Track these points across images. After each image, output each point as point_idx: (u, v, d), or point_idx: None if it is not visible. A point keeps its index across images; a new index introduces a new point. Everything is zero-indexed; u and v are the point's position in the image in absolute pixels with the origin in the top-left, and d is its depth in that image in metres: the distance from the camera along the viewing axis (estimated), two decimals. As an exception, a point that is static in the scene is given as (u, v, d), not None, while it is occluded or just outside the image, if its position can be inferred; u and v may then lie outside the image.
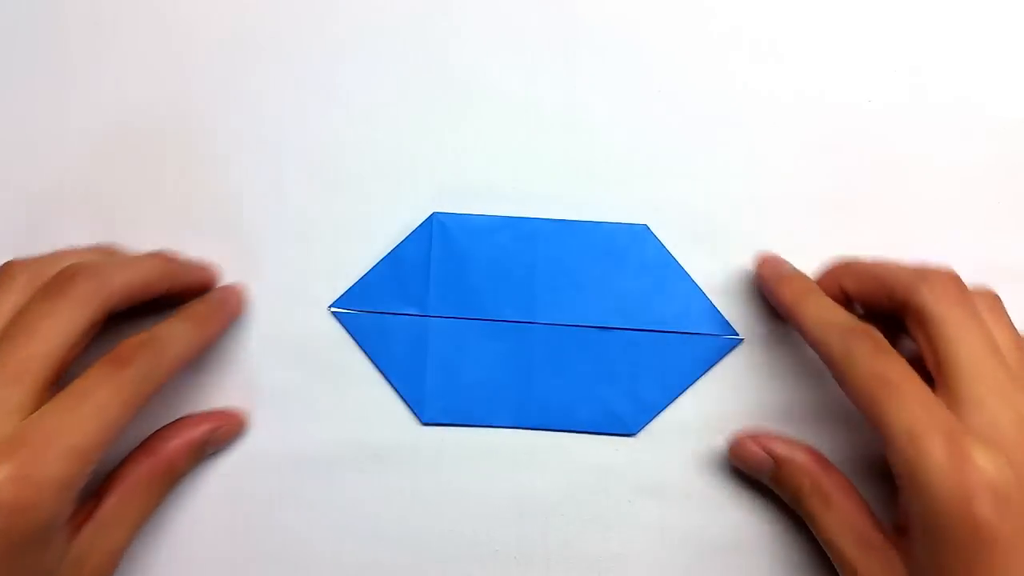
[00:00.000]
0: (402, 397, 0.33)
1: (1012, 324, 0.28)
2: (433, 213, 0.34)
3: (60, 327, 0.25)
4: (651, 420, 0.33)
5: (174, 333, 0.28)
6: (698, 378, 0.32)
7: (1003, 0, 0.35)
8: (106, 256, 0.30)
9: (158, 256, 0.30)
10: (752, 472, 0.31)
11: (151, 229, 0.35)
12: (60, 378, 0.25)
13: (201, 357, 0.32)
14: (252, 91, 0.35)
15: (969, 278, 0.34)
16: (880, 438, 0.25)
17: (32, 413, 0.24)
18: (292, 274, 0.34)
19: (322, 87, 0.35)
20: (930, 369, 0.26)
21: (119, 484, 0.28)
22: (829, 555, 0.29)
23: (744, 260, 0.33)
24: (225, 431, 0.31)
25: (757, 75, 0.35)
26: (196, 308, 0.30)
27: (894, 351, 0.26)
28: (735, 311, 0.33)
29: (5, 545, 0.23)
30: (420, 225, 0.34)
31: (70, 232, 0.33)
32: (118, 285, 0.27)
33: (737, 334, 0.33)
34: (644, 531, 0.33)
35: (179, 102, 0.35)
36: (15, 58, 0.35)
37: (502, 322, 0.33)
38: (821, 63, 0.34)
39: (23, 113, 0.35)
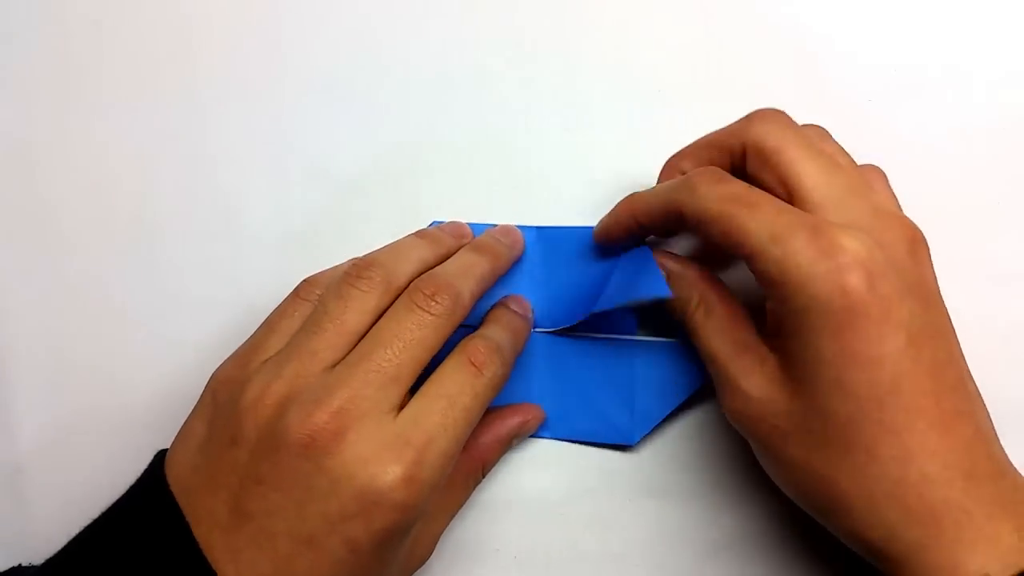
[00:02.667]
0: None
1: (842, 148, 0.28)
2: (432, 221, 0.34)
3: (428, 342, 0.27)
4: (651, 430, 0.33)
5: (505, 339, 0.30)
6: (697, 388, 0.32)
7: (1003, 0, 0.35)
8: (446, 255, 0.31)
9: (487, 253, 0.31)
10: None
11: (150, 229, 0.35)
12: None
13: (203, 364, 0.32)
14: (252, 91, 0.35)
15: (969, 278, 0.34)
16: (744, 256, 0.26)
17: (399, 411, 0.26)
18: (293, 276, 0.34)
19: (323, 86, 0.35)
20: (782, 196, 0.27)
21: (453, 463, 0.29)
22: (707, 363, 0.29)
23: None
24: (530, 425, 0.33)
25: (757, 75, 0.35)
26: (513, 313, 0.32)
27: (737, 179, 0.27)
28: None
29: (388, 538, 0.25)
30: None
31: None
32: (468, 300, 0.29)
33: None
34: (644, 531, 0.33)
35: (179, 101, 0.35)
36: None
37: None
38: (821, 63, 0.34)
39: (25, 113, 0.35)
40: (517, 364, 0.31)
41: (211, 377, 0.28)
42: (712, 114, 0.31)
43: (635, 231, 0.30)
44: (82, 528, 0.27)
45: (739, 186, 0.26)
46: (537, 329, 0.33)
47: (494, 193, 0.34)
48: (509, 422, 0.32)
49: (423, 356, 0.27)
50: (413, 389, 0.27)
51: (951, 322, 0.26)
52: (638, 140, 0.34)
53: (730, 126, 0.29)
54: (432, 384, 0.27)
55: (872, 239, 0.24)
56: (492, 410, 0.32)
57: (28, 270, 0.35)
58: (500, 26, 0.35)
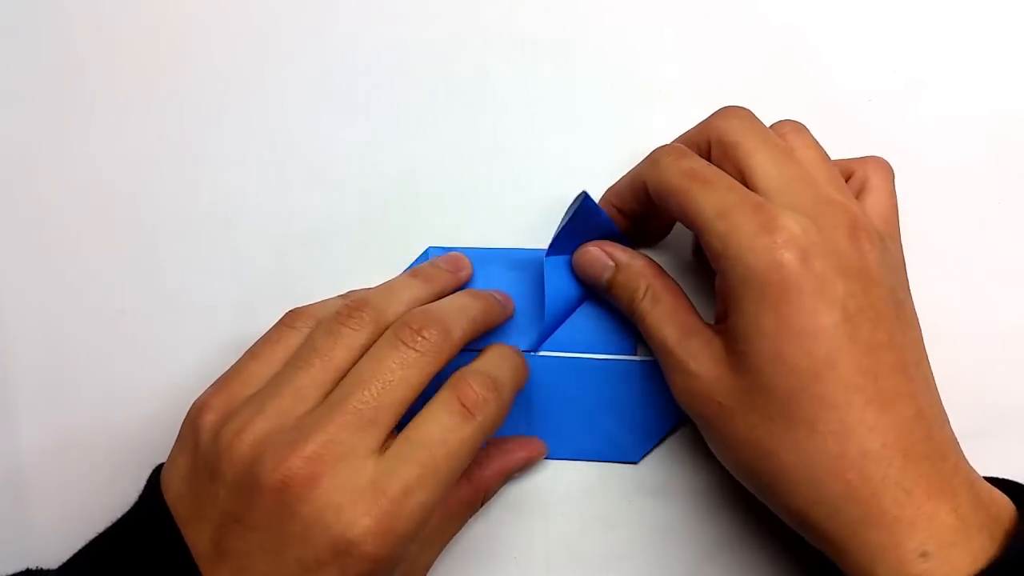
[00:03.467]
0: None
1: (817, 144, 0.29)
2: (428, 248, 0.34)
3: (412, 380, 0.26)
4: (653, 447, 0.33)
5: (503, 374, 0.28)
6: None
7: (1003, 0, 0.35)
8: (437, 296, 0.31)
9: (482, 299, 0.30)
10: (592, 278, 0.31)
11: (150, 231, 0.35)
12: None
13: (204, 366, 0.32)
14: (252, 92, 0.35)
15: (969, 278, 0.34)
16: (695, 229, 0.27)
17: (379, 455, 0.25)
18: (293, 278, 0.34)
19: (323, 90, 0.35)
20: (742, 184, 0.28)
21: (441, 506, 0.28)
22: (655, 350, 0.29)
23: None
24: (533, 460, 0.33)
25: (757, 76, 0.35)
26: (515, 353, 0.30)
27: (698, 156, 0.28)
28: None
29: None
30: (416, 260, 0.34)
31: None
32: (458, 339, 0.28)
33: None
34: (644, 531, 0.33)
35: (179, 103, 0.35)
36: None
37: None
38: (821, 63, 0.34)
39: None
40: None
41: (192, 406, 0.28)
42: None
43: (616, 217, 0.32)
44: (81, 547, 0.27)
45: (697, 163, 0.28)
46: (537, 352, 0.33)
47: (494, 196, 0.34)
48: (514, 456, 0.32)
49: (406, 396, 0.26)
50: (404, 422, 0.26)
51: (904, 311, 0.27)
52: (638, 141, 0.34)
53: (701, 123, 0.30)
54: (415, 428, 0.26)
55: (810, 221, 0.25)
56: (496, 440, 0.32)
57: (28, 271, 0.35)
58: (501, 29, 0.35)
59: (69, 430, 0.34)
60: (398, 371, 0.26)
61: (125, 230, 0.35)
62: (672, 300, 0.29)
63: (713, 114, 0.29)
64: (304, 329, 0.28)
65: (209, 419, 0.27)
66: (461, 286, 0.33)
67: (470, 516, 0.32)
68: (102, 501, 0.28)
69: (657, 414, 0.32)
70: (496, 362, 0.29)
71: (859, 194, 0.29)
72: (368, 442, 0.25)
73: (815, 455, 0.25)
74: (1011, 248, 0.34)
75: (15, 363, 0.35)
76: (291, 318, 0.29)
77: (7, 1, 0.35)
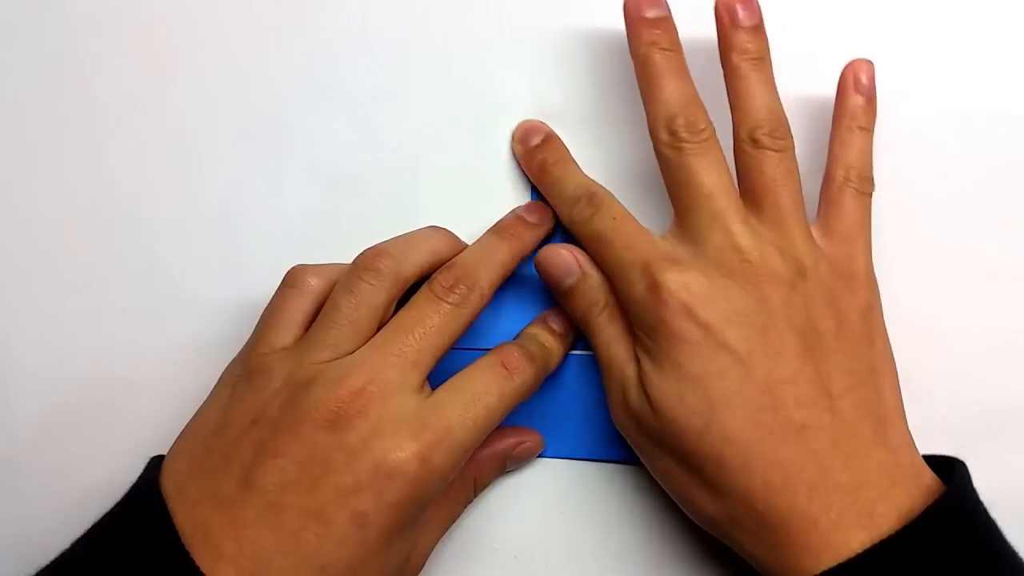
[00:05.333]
0: None
1: (790, 148, 0.30)
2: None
3: (448, 329, 0.28)
4: None
5: (549, 347, 0.31)
6: None
7: (1003, 0, 0.35)
8: (461, 246, 0.32)
9: (508, 236, 0.31)
10: (554, 279, 0.31)
11: (149, 228, 0.35)
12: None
13: (205, 364, 0.32)
14: (252, 90, 0.35)
15: (969, 278, 0.34)
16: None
17: (422, 395, 0.27)
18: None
19: (323, 90, 0.35)
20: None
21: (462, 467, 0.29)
22: (600, 363, 0.30)
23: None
24: (527, 448, 0.32)
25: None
26: (552, 332, 0.32)
27: (608, 206, 0.30)
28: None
29: (396, 515, 0.26)
30: None
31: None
32: (488, 288, 0.29)
33: None
34: (644, 531, 0.33)
35: (179, 101, 0.35)
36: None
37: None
38: (821, 63, 0.34)
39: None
40: None
41: (225, 371, 0.29)
42: (712, 114, 0.31)
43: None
44: (75, 539, 0.27)
45: (602, 222, 0.30)
46: None
47: (494, 193, 0.34)
48: (506, 440, 0.32)
49: (443, 343, 0.28)
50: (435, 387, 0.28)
51: (822, 341, 0.27)
52: (638, 140, 0.34)
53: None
54: (460, 378, 0.28)
55: (698, 273, 0.27)
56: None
57: (28, 270, 0.35)
58: (500, 25, 0.35)
59: (67, 426, 0.34)
60: (435, 319, 0.28)
61: (125, 230, 0.35)
62: (625, 322, 0.30)
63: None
64: (306, 289, 0.29)
65: (247, 378, 0.28)
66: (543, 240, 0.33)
67: (464, 503, 0.32)
68: (98, 495, 0.28)
69: None
70: (535, 344, 0.31)
71: (827, 207, 0.30)
72: (412, 381, 0.27)
73: (728, 491, 0.26)
74: (1011, 248, 0.34)
75: (15, 362, 0.35)
76: (294, 277, 0.30)
77: (7, 1, 0.35)
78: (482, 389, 0.28)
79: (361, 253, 0.29)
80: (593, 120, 0.34)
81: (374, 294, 0.28)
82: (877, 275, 0.30)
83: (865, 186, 0.30)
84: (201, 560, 0.24)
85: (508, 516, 0.33)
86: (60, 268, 0.35)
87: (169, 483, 0.26)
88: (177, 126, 0.35)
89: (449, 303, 0.28)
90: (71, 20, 0.35)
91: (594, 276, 0.30)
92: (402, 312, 0.28)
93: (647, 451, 0.29)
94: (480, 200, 0.34)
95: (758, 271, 0.27)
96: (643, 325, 0.28)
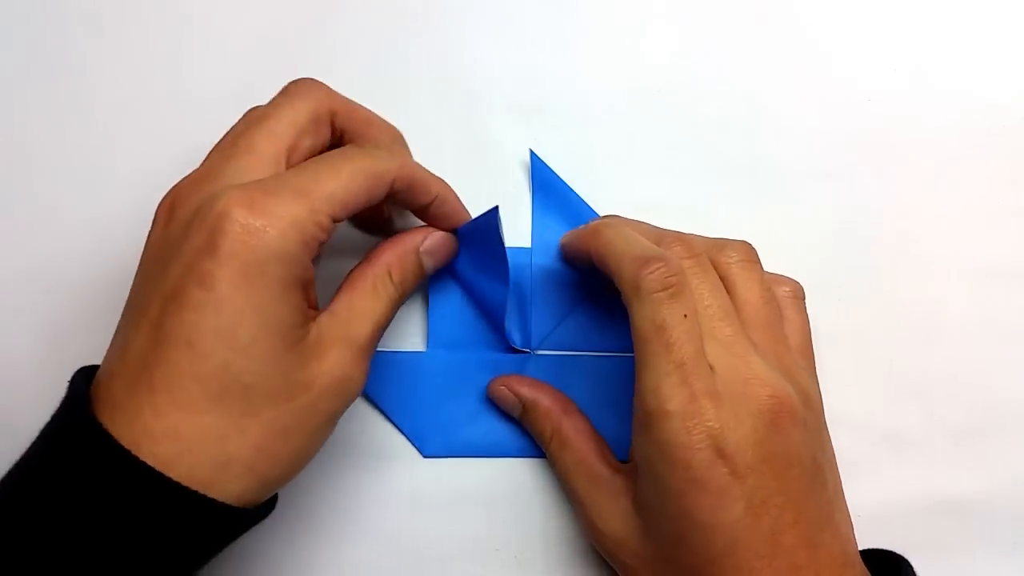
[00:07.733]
0: (402, 432, 0.33)
1: (762, 279, 0.29)
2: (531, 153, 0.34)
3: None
4: None
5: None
6: None
7: (1003, 0, 0.35)
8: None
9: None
10: (508, 412, 0.32)
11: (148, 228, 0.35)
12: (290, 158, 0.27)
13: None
14: (252, 89, 0.35)
15: (969, 278, 0.34)
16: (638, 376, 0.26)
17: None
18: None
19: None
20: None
21: (345, 285, 0.29)
22: (565, 492, 0.31)
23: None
24: (437, 240, 0.31)
25: (758, 76, 0.35)
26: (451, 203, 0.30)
27: (685, 290, 0.26)
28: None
29: (240, 267, 0.24)
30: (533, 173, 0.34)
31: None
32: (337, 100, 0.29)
33: None
34: (644, 531, 0.33)
35: (178, 101, 0.35)
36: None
37: (499, 353, 0.33)
38: (821, 63, 0.34)
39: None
40: None
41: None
42: (712, 114, 0.31)
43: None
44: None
45: (671, 312, 0.26)
46: (537, 352, 0.33)
47: (493, 196, 0.34)
48: (413, 235, 0.30)
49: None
50: None
51: (820, 472, 0.27)
52: (638, 140, 0.34)
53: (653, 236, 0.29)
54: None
55: (730, 414, 0.25)
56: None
57: (27, 269, 0.35)
58: (499, 27, 0.35)
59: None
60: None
61: (125, 229, 0.35)
62: (581, 444, 0.30)
63: (666, 236, 0.29)
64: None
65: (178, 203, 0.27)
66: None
67: (388, 299, 0.29)
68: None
69: None
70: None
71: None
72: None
73: None
74: (1011, 248, 0.34)
75: (15, 363, 0.35)
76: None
77: (7, 1, 0.35)
78: (343, 158, 0.27)
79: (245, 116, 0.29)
80: (594, 122, 0.34)
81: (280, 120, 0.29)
82: (878, 275, 0.31)
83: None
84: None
85: (508, 516, 0.33)
86: (60, 268, 0.35)
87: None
88: (177, 126, 0.35)
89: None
90: (70, 20, 0.35)
91: (536, 407, 0.31)
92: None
93: (624, 572, 0.29)
94: (481, 200, 0.34)
95: (782, 410, 0.26)
96: (659, 453, 0.26)
